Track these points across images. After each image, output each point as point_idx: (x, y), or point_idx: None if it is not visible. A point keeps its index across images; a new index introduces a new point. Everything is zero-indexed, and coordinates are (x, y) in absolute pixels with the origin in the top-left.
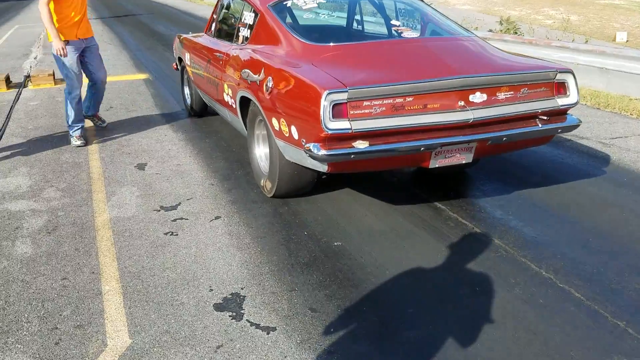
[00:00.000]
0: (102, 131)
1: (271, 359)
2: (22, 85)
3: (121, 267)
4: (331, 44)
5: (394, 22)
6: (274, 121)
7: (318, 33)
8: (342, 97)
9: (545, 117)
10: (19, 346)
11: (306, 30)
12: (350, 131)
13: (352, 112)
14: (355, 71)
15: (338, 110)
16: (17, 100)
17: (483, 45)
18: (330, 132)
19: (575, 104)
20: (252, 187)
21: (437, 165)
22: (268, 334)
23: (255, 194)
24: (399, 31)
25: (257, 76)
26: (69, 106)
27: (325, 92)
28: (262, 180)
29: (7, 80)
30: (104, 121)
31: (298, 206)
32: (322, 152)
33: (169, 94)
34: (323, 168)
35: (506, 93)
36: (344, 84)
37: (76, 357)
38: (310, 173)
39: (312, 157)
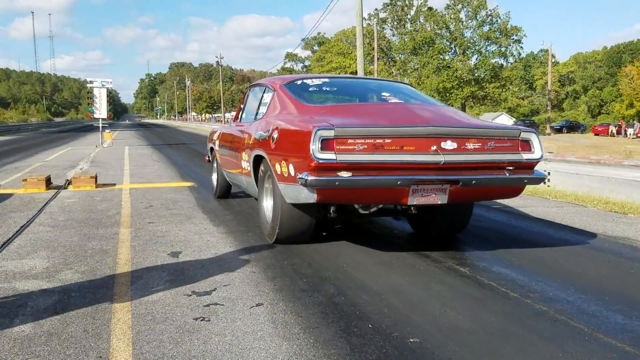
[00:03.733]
0: (136, 223)
1: None
2: (62, 187)
3: (136, 352)
4: (328, 104)
5: (384, 93)
6: (277, 166)
7: (319, 99)
8: (330, 134)
9: (511, 168)
10: None
11: (310, 98)
12: (335, 161)
13: (337, 146)
14: (343, 118)
15: (326, 144)
16: (54, 198)
17: (457, 111)
18: (318, 161)
19: (539, 159)
20: (300, 276)
21: (415, 203)
22: None
23: (304, 283)
24: (387, 98)
25: (266, 133)
26: None
27: (315, 129)
28: (267, 227)
29: (48, 181)
30: None
31: (358, 297)
32: (311, 178)
33: (212, 196)
34: (313, 197)
35: (475, 144)
36: (331, 125)
37: None
38: (308, 217)
39: (304, 185)
